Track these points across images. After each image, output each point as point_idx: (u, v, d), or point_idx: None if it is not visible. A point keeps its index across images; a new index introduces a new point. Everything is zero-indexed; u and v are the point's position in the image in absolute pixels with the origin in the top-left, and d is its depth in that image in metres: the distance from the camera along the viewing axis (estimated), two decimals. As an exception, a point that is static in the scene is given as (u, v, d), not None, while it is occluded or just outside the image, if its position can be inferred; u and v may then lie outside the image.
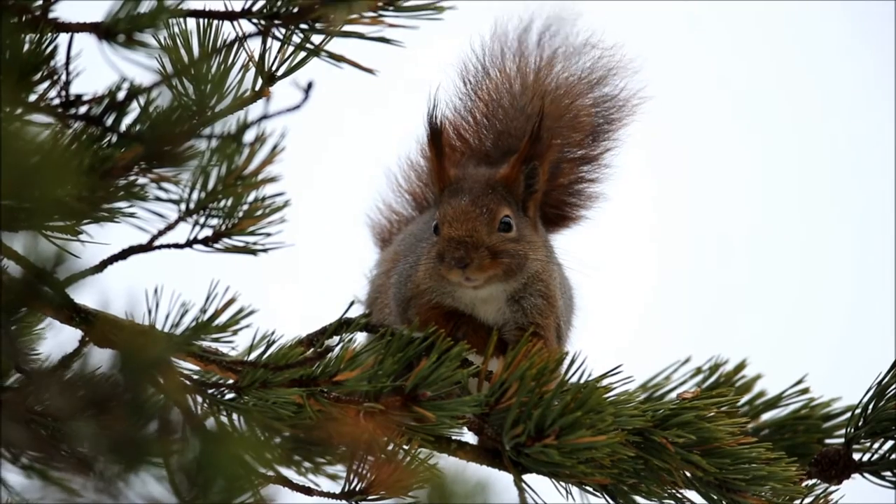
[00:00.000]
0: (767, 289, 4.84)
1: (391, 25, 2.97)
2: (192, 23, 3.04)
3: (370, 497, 3.02)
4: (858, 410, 3.25)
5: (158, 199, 2.85)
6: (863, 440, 3.26)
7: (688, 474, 3.11)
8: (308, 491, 3.04)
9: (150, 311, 2.88)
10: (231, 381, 2.94)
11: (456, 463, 3.13)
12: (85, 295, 2.91)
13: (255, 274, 3.14)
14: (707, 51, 4.80)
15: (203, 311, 2.88)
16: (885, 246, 4.63)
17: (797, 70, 4.95)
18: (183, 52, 3.04)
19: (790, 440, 3.46)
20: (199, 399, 2.94)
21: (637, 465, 3.09)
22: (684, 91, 4.39)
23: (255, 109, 2.81)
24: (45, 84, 2.85)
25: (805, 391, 3.50)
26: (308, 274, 4.22)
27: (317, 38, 3.01)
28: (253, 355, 3.00)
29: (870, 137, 4.87)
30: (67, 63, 2.87)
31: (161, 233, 2.89)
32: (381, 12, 2.96)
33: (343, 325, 3.16)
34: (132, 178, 2.82)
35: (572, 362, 3.07)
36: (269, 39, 3.03)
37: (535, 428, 2.99)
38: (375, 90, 3.26)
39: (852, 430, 3.26)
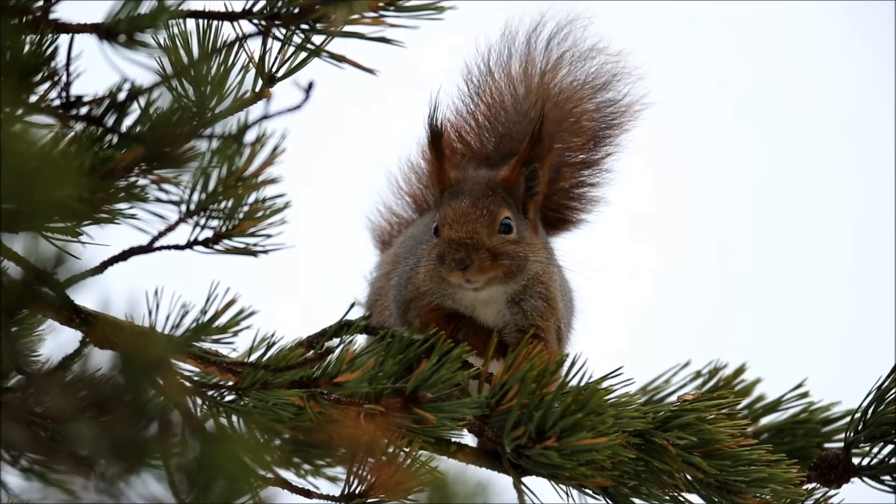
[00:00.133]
0: (767, 292, 4.84)
1: (392, 25, 2.96)
2: (192, 23, 3.04)
3: (370, 499, 3.01)
4: (858, 414, 3.25)
5: (159, 200, 2.84)
6: (862, 444, 3.26)
7: (688, 476, 3.11)
8: (308, 493, 3.03)
9: (150, 313, 2.87)
10: (231, 383, 2.93)
11: (456, 465, 3.13)
12: (85, 296, 2.91)
13: (255, 275, 3.14)
14: (707, 51, 4.79)
15: (203, 312, 2.87)
16: (885, 247, 4.63)
17: (797, 70, 4.95)
18: (183, 52, 3.03)
19: (790, 444, 3.46)
20: (199, 401, 2.93)
21: (638, 466, 3.08)
22: (684, 91, 4.39)
23: (256, 110, 2.81)
24: (46, 85, 2.84)
25: (804, 395, 3.50)
26: (308, 275, 4.22)
27: (317, 39, 3.01)
28: (253, 357, 3.00)
29: (870, 137, 4.87)
30: (68, 64, 2.86)
31: (161, 234, 2.88)
32: (382, 12, 2.95)
33: (343, 327, 3.15)
34: (133, 179, 2.81)
35: (573, 364, 3.07)
36: (270, 40, 3.02)
37: (535, 430, 2.99)
38: (376, 90, 3.26)
39: (852, 434, 3.26)
